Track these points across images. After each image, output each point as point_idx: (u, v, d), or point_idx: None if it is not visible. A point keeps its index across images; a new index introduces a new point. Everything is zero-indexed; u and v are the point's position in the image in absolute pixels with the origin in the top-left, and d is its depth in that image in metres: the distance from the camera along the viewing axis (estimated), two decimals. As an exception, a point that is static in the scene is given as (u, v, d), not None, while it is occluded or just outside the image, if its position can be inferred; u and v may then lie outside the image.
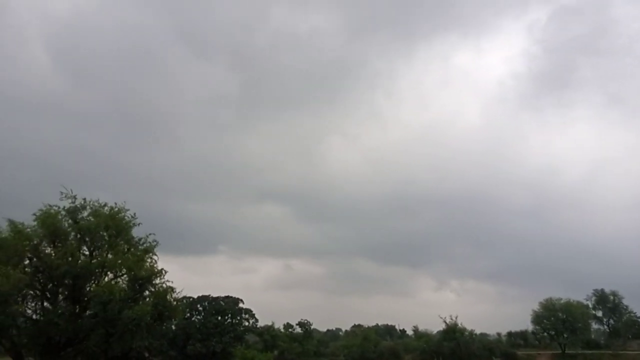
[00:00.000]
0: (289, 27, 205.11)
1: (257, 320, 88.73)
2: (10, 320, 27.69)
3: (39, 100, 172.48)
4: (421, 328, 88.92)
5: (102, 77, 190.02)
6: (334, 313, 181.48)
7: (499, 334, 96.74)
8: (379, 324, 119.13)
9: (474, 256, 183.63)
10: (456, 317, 74.68)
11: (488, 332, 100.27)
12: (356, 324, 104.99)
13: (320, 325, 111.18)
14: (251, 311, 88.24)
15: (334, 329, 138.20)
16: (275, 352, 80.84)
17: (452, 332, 74.07)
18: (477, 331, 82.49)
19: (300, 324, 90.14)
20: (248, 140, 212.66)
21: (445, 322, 74.65)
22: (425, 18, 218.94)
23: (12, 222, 29.56)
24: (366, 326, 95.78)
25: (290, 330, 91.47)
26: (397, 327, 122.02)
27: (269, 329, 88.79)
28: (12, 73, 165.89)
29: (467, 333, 74.97)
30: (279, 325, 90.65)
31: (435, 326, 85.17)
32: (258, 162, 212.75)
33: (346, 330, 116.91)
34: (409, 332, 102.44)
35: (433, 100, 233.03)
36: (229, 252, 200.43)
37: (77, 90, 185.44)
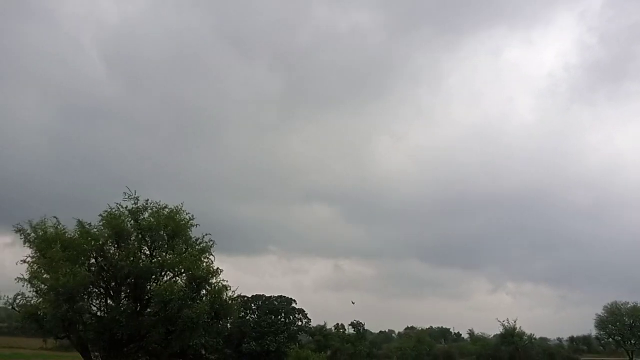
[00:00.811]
0: (330, 26, 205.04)
1: (309, 321, 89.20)
2: (77, 317, 29.04)
3: (96, 106, 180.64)
4: (477, 331, 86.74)
5: (152, 82, 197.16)
6: (386, 315, 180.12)
7: (559, 339, 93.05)
8: (433, 327, 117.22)
9: (531, 258, 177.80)
10: (515, 321, 72.31)
11: (548, 337, 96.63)
12: (409, 326, 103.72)
13: (373, 327, 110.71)
14: (304, 311, 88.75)
15: (386, 330, 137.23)
16: (328, 353, 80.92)
17: (511, 336, 71.75)
18: (537, 336, 79.59)
19: (353, 325, 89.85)
20: (293, 141, 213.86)
21: (503, 325, 72.40)
22: (471, 12, 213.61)
23: (80, 223, 30.89)
24: (420, 329, 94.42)
25: (342, 331, 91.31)
26: (451, 330, 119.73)
27: (322, 329, 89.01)
28: (72, 82, 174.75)
29: (526, 337, 72.42)
30: (331, 326, 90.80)
31: (491, 330, 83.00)
32: (304, 163, 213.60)
33: (399, 333, 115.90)
34: (464, 335, 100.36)
35: (483, 97, 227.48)
36: (279, 253, 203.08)
37: (130, 95, 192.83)
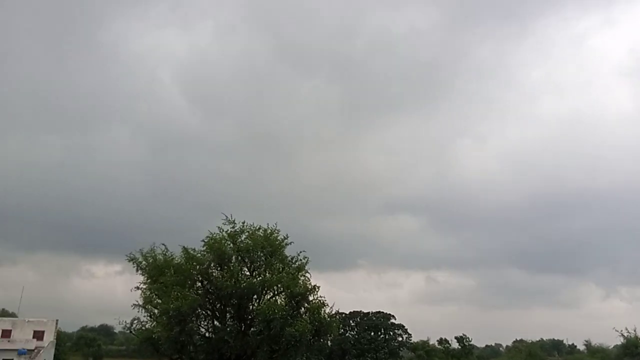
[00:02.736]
0: (385, 29, 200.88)
1: (410, 336, 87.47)
2: (188, 338, 30.64)
3: (179, 136, 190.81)
4: (594, 342, 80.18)
5: (227, 107, 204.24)
6: (490, 327, 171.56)
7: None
8: (544, 339, 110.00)
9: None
10: (634, 329, 65.85)
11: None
12: (517, 339, 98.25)
13: (476, 340, 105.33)
14: (403, 326, 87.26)
15: (493, 344, 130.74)
16: (433, 368, 78.70)
17: (634, 346, 65.38)
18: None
19: (457, 339, 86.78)
20: (365, 151, 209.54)
21: (622, 335, 66.21)
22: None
23: (184, 249, 32.76)
24: (529, 341, 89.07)
25: (446, 345, 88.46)
26: (565, 341, 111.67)
27: (424, 344, 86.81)
28: (155, 116, 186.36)
29: (653, 348, 65.57)
30: (433, 341, 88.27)
31: (609, 340, 76.20)
32: (381, 173, 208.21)
33: (507, 346, 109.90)
34: (580, 346, 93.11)
35: (569, 88, 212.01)
36: (368, 267, 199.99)
37: (209, 122, 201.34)
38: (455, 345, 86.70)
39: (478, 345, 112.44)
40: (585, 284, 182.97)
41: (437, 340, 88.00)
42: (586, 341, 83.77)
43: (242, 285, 30.67)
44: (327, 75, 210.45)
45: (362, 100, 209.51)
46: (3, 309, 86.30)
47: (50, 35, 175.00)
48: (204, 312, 32.72)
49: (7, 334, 52.49)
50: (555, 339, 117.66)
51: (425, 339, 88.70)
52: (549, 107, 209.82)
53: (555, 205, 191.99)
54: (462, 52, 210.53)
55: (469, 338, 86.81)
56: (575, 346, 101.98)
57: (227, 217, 33.74)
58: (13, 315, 65.95)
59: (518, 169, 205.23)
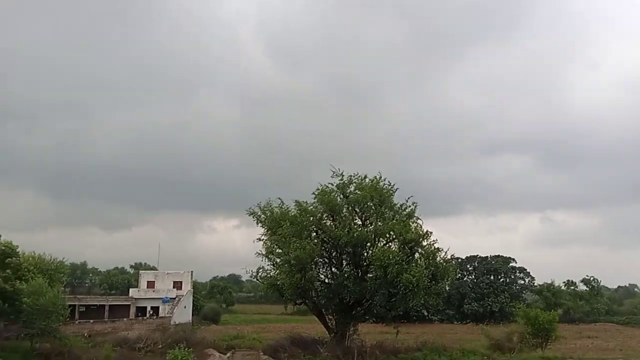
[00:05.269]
0: None
1: (533, 279, 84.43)
2: (309, 284, 32.39)
3: (268, 93, 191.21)
4: None
5: (310, 62, 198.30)
6: (621, 268, 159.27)
7: None
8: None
9: None
10: None
11: None
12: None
13: (606, 282, 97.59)
14: (525, 269, 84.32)
15: (626, 285, 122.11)
16: (559, 311, 75.48)
17: None
18: None
19: (585, 281, 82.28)
20: (455, 89, 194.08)
21: None
22: None
23: (297, 202, 34.19)
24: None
25: (572, 288, 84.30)
26: None
27: (549, 287, 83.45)
28: (244, 77, 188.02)
29: None
30: (559, 283, 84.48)
31: None
32: (477, 111, 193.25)
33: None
34: None
35: None
36: (476, 210, 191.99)
37: (291, 77, 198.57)
38: (582, 287, 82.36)
39: (609, 287, 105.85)
40: None
41: (564, 283, 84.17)
42: None
43: (355, 235, 31.48)
44: (394, 14, 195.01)
45: (438, 37, 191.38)
46: (145, 263, 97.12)
47: (140, 6, 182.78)
48: (321, 260, 34.31)
49: (151, 284, 59.22)
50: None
51: (548, 281, 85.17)
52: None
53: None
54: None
55: (597, 280, 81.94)
56: None
57: (334, 169, 34.54)
58: (154, 268, 73.85)
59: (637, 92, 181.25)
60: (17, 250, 24.58)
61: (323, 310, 35.02)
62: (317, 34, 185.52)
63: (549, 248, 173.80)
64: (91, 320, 41.88)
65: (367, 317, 38.20)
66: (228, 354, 32.76)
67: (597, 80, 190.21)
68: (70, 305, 34.78)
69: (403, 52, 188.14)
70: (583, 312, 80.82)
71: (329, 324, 34.77)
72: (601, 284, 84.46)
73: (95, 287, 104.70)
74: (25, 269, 26.29)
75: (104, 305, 51.37)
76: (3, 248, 22.38)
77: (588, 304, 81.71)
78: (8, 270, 23.85)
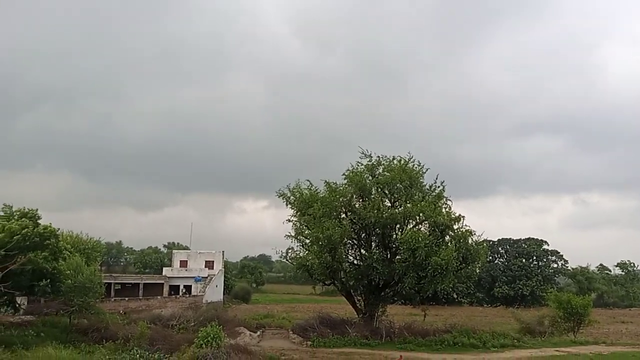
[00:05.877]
0: None
1: (566, 262, 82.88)
2: (338, 265, 32.54)
3: (295, 74, 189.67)
4: None
5: (337, 42, 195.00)
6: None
7: None
8: None
9: None
10: None
11: None
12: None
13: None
14: (558, 252, 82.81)
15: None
16: (593, 295, 74.19)
17: None
18: None
19: (620, 265, 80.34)
20: (484, 67, 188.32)
21: None
22: None
23: (327, 183, 34.21)
24: None
25: (606, 272, 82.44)
26: None
27: (582, 271, 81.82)
28: (271, 57, 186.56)
29: None
30: (594, 267, 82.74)
31: None
32: (506, 91, 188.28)
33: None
34: None
35: None
36: (509, 192, 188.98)
37: (319, 57, 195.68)
38: (617, 272, 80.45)
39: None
40: None
41: (597, 267, 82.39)
42: None
43: (384, 216, 31.35)
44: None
45: (469, 13, 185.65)
46: (178, 243, 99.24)
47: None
48: (350, 242, 34.35)
49: (184, 264, 60.65)
50: None
51: (582, 265, 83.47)
52: None
53: None
54: None
55: (633, 264, 79.83)
56: None
57: (363, 151, 34.35)
58: (186, 248, 75.44)
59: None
60: (56, 232, 25.38)
61: (352, 291, 35.19)
62: (344, 11, 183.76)
63: (582, 231, 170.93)
64: (126, 298, 43.12)
65: (395, 299, 38.22)
66: (258, 332, 33.36)
67: (633, 57, 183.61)
68: (106, 283, 35.89)
69: (432, 29, 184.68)
70: (617, 297, 79.13)
71: (358, 305, 34.95)
72: (637, 268, 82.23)
73: (129, 265, 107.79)
74: (63, 248, 27.16)
75: (139, 284, 52.88)
76: (42, 231, 23.16)
77: (623, 288, 79.92)
78: (47, 251, 24.68)
